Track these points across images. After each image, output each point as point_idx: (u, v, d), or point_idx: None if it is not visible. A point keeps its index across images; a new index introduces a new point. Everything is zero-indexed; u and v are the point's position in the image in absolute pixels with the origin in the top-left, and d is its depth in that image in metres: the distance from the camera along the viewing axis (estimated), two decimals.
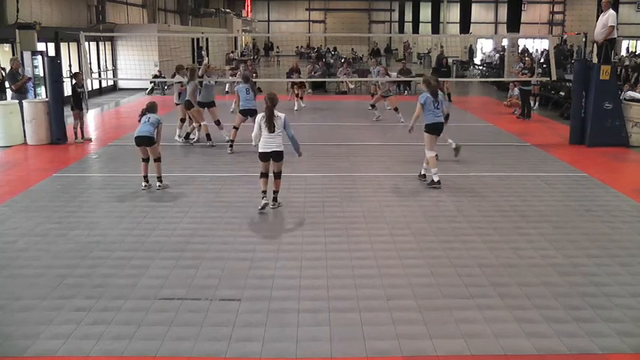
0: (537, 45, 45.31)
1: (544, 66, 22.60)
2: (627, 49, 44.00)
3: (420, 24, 42.81)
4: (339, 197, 8.48)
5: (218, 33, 37.46)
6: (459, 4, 35.01)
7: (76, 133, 12.49)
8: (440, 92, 9.12)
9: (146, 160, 8.76)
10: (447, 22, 45.22)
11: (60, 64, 13.09)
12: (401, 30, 48.36)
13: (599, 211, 7.83)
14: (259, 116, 7.51)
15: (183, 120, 12.53)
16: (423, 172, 9.32)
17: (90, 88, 20.82)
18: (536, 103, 18.37)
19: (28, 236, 6.82)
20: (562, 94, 17.72)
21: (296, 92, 17.71)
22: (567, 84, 17.70)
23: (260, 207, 7.60)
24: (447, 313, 4.96)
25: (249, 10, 54.29)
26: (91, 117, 16.70)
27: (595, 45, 13.29)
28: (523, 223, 7.34)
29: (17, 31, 15.54)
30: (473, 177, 9.64)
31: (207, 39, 32.67)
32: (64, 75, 14.74)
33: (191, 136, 12.44)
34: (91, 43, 20.90)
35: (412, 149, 11.13)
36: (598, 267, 5.95)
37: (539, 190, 8.94)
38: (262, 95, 9.35)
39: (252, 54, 44.21)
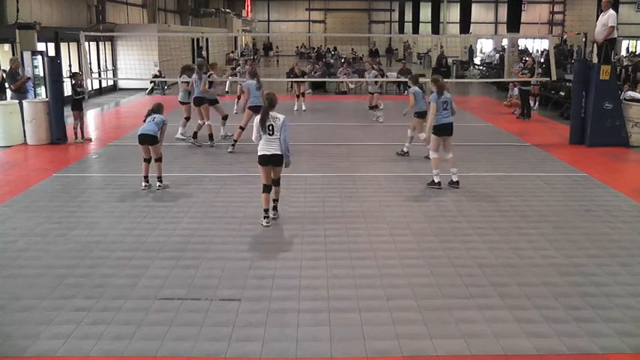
0: (537, 45, 45.34)
1: (544, 66, 22.60)
2: (627, 49, 44.02)
3: (420, 24, 42.81)
4: (339, 197, 8.48)
5: (218, 33, 37.48)
6: (459, 4, 35.02)
7: (76, 133, 12.49)
8: (448, 92, 9.02)
9: (147, 160, 8.77)
10: (447, 22, 45.23)
11: (60, 64, 13.10)
12: (401, 30, 48.36)
13: (599, 211, 7.83)
14: (256, 119, 7.08)
15: (187, 119, 12.62)
16: (455, 179, 8.96)
17: (90, 88, 20.86)
18: (536, 103, 18.37)
19: (28, 236, 6.82)
20: (562, 94, 17.71)
21: (297, 93, 17.61)
22: (567, 84, 17.70)
23: (264, 225, 7.17)
24: (447, 313, 4.96)
25: (249, 10, 54.33)
26: (91, 117, 16.72)
27: (595, 45, 13.29)
28: (523, 223, 7.34)
29: (17, 31, 15.54)
30: (473, 177, 9.64)
31: (207, 39, 32.70)
32: (64, 75, 14.75)
33: (180, 132, 12.62)
34: (91, 43, 20.90)
35: (412, 149, 11.13)
36: (598, 267, 5.95)
37: (539, 190, 8.94)
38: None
39: (251, 54, 44.22)
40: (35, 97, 14.13)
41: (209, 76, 12.19)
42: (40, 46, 16.61)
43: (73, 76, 12.84)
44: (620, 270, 5.88)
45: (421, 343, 4.50)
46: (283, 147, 7.02)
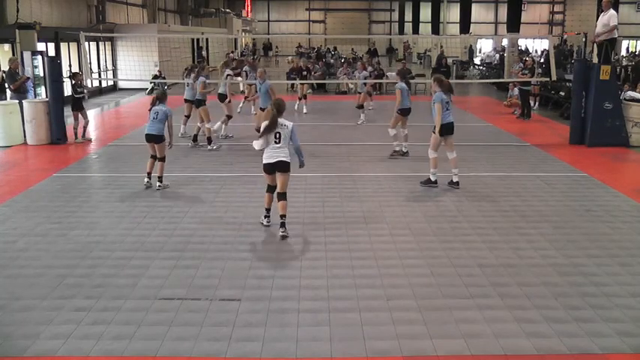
0: (537, 45, 45.35)
1: (544, 66, 22.60)
2: (627, 49, 44.02)
3: (420, 24, 42.80)
4: (339, 197, 8.48)
5: (218, 33, 37.49)
6: (459, 4, 35.01)
7: (76, 134, 12.49)
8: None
9: (154, 156, 8.82)
10: (447, 22, 45.22)
11: (60, 64, 13.10)
12: (401, 30, 48.34)
13: (599, 211, 7.83)
14: (263, 124, 6.83)
15: (187, 117, 12.74)
16: (455, 180, 8.95)
17: (90, 86, 20.85)
18: (536, 103, 18.36)
19: (28, 236, 6.82)
20: (562, 94, 17.72)
21: (300, 95, 17.45)
22: (567, 84, 17.70)
23: (264, 224, 7.13)
24: (447, 313, 4.96)
25: (249, 10, 54.31)
26: (91, 117, 16.66)
27: (595, 45, 13.29)
28: (523, 223, 7.34)
29: (17, 31, 15.53)
30: (473, 177, 9.64)
31: (207, 39, 32.69)
32: (64, 75, 14.75)
33: (181, 132, 12.71)
34: (91, 43, 20.91)
35: (412, 149, 11.13)
36: (598, 267, 5.95)
37: (539, 190, 8.94)
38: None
39: (250, 54, 44.21)
40: (35, 97, 14.14)
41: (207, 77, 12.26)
42: (40, 46, 16.61)
43: (73, 76, 12.84)
44: (620, 270, 5.88)
45: (421, 343, 4.50)
46: (298, 154, 6.92)
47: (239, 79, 17.01)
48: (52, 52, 17.10)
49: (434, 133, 8.84)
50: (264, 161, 6.85)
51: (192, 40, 30.29)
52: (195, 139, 12.12)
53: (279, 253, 6.39)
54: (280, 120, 6.73)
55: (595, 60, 12.91)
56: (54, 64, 12.70)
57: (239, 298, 5.24)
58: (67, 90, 13.95)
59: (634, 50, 43.58)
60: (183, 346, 4.45)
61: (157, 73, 22.39)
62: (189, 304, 5.13)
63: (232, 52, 39.20)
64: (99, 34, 20.91)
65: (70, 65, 19.32)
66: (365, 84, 15.89)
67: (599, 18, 12.59)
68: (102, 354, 4.35)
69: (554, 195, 8.67)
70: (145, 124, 9.10)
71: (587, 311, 5.01)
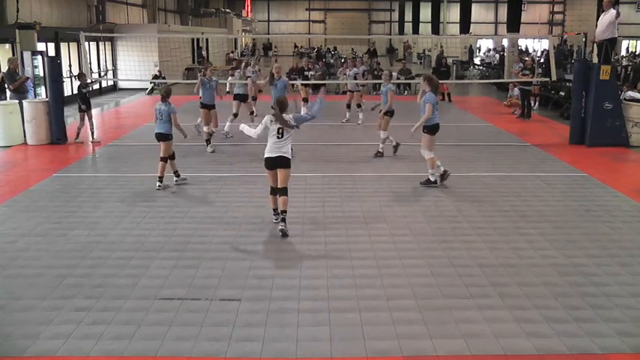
0: (537, 45, 45.32)
1: (544, 66, 22.59)
2: (627, 49, 44.02)
3: (420, 24, 42.78)
4: (339, 197, 8.48)
5: (218, 33, 37.48)
6: (459, 4, 35.00)
7: (78, 134, 12.44)
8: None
9: (163, 159, 8.84)
10: (447, 22, 45.22)
11: (60, 64, 13.12)
12: (401, 30, 48.33)
13: (599, 211, 7.82)
14: (267, 118, 6.87)
15: (235, 115, 12.89)
16: (432, 179, 8.96)
17: (92, 80, 20.86)
18: (536, 103, 18.36)
19: (28, 236, 6.82)
20: (562, 94, 17.72)
21: (303, 96, 17.30)
22: (567, 84, 17.70)
23: (274, 221, 7.19)
24: (447, 313, 4.96)
25: (249, 10, 54.30)
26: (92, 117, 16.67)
27: (595, 45, 13.29)
28: (523, 223, 7.34)
29: (17, 31, 15.53)
30: (473, 177, 9.64)
31: (207, 39, 32.69)
32: (64, 75, 14.75)
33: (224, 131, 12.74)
34: (91, 43, 20.91)
35: (412, 149, 11.12)
36: (598, 267, 5.95)
37: (539, 190, 8.94)
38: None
39: (250, 54, 44.24)
40: (35, 97, 14.14)
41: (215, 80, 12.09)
42: (40, 46, 16.61)
43: (79, 76, 12.91)
44: (620, 270, 5.88)
45: (421, 343, 4.50)
46: (316, 112, 7.18)
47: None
48: (52, 52, 17.14)
49: (425, 133, 8.82)
50: (266, 155, 6.92)
51: (192, 40, 30.30)
52: (208, 142, 11.70)
53: (279, 253, 6.39)
54: (284, 117, 6.82)
55: (595, 60, 12.91)
56: (54, 64, 12.71)
57: (239, 298, 5.24)
58: (67, 90, 13.95)
59: (634, 50, 43.59)
60: (183, 346, 4.45)
61: (157, 73, 22.41)
62: (189, 304, 5.13)
63: (232, 52, 39.26)
64: (99, 34, 20.91)
65: (70, 65, 19.33)
66: (357, 83, 15.79)
67: (600, 18, 12.59)
68: (102, 354, 4.35)
69: (554, 195, 8.67)
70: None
71: (587, 311, 5.01)
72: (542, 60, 25.87)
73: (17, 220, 7.44)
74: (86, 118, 12.41)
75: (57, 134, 12.33)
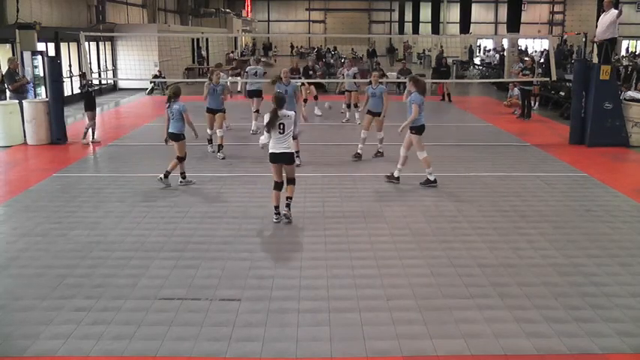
0: (537, 45, 45.34)
1: (544, 66, 22.60)
2: (627, 49, 44.03)
3: (420, 24, 42.81)
4: (339, 197, 8.48)
5: (218, 33, 37.49)
6: (459, 4, 35.03)
7: (85, 133, 12.38)
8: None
9: (179, 159, 8.90)
10: (447, 22, 45.24)
11: (60, 64, 13.12)
12: (401, 30, 48.37)
13: (599, 211, 7.82)
14: (265, 117, 7.14)
15: (257, 112, 13.16)
16: (396, 174, 9.08)
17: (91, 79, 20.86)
18: (536, 103, 18.36)
19: (28, 236, 6.82)
20: (562, 94, 17.71)
21: (304, 97, 17.17)
22: (567, 84, 17.69)
23: (275, 221, 7.26)
24: (447, 313, 4.96)
25: (249, 10, 54.36)
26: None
27: (595, 45, 13.29)
28: (523, 223, 7.34)
29: (17, 31, 15.54)
30: (473, 177, 9.64)
31: (207, 39, 32.68)
32: (64, 75, 14.75)
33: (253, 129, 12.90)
34: (91, 43, 20.90)
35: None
36: (598, 267, 5.95)
37: (539, 190, 8.94)
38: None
39: (250, 54, 44.24)
40: (35, 97, 14.13)
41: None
42: (40, 46, 16.61)
43: (82, 76, 12.96)
44: (620, 270, 5.88)
45: (421, 343, 4.50)
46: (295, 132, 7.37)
47: (238, 78, 16.99)
48: (52, 52, 17.12)
49: (413, 134, 8.81)
50: (270, 150, 7.21)
51: (192, 40, 30.30)
52: (219, 149, 11.22)
53: (279, 253, 6.40)
54: (281, 112, 7.10)
55: (595, 60, 12.90)
56: (54, 64, 12.70)
57: (239, 298, 5.24)
58: (67, 90, 13.95)
59: (634, 50, 43.60)
60: (183, 346, 4.45)
61: (157, 73, 22.41)
62: (189, 304, 5.13)
63: (232, 52, 39.26)
64: (99, 34, 20.91)
65: (70, 65, 19.33)
66: (355, 83, 15.78)
67: (600, 18, 12.59)
68: (102, 354, 4.35)
69: (554, 195, 8.67)
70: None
71: (587, 311, 5.01)
72: (542, 60, 25.90)
73: (17, 220, 7.44)
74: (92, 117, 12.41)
75: (57, 134, 12.32)
